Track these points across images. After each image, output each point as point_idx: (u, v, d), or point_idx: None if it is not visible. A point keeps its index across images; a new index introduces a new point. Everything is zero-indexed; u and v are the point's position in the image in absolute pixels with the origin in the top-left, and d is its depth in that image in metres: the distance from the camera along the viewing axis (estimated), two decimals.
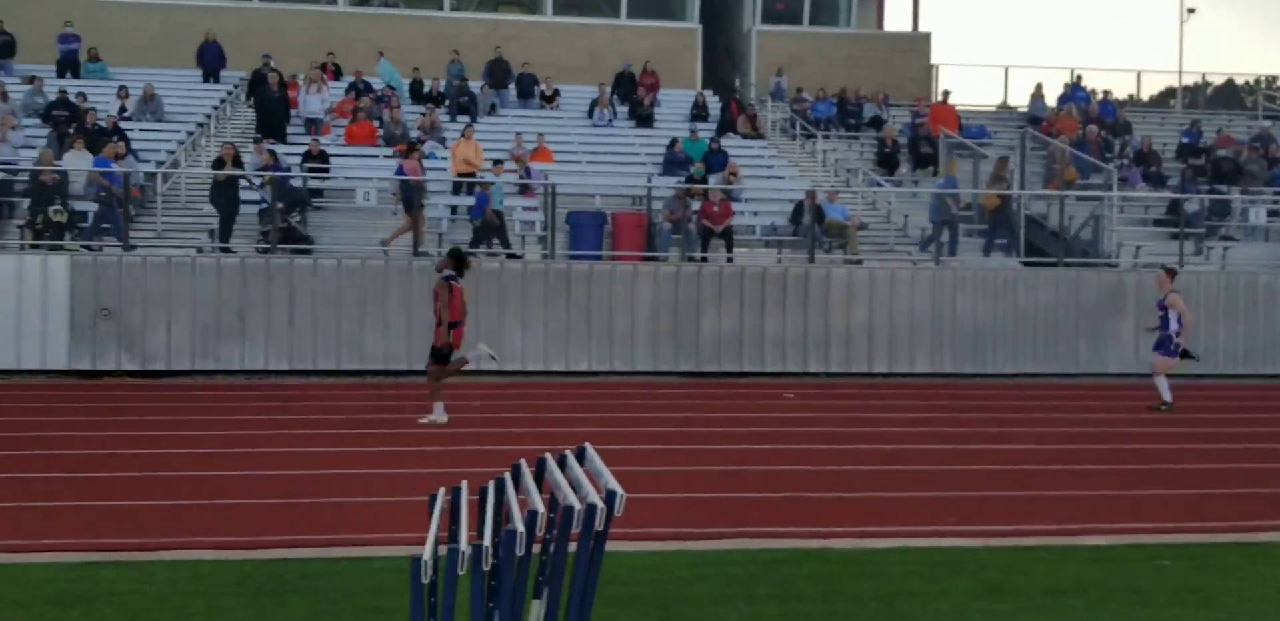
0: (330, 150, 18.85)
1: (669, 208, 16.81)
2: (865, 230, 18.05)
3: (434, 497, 4.67)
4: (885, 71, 26.22)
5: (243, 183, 16.30)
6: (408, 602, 5.45)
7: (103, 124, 18.46)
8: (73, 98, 19.57)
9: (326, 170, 17.97)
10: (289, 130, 20.07)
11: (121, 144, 17.44)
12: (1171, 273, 13.15)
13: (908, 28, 29.82)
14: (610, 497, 4.08)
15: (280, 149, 18.31)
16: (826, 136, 22.90)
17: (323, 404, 12.23)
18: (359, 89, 21.77)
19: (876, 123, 23.47)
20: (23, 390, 13.01)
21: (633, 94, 23.13)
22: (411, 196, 16.07)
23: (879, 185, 20.25)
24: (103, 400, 12.31)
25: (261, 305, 14.38)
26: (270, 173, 16.26)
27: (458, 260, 10.80)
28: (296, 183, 16.86)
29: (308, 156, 18.02)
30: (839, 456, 9.79)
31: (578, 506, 4.04)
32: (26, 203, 15.87)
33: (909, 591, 5.90)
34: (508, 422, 11.15)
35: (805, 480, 8.79)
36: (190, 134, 20.21)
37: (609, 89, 23.11)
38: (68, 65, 22.58)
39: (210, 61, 23.00)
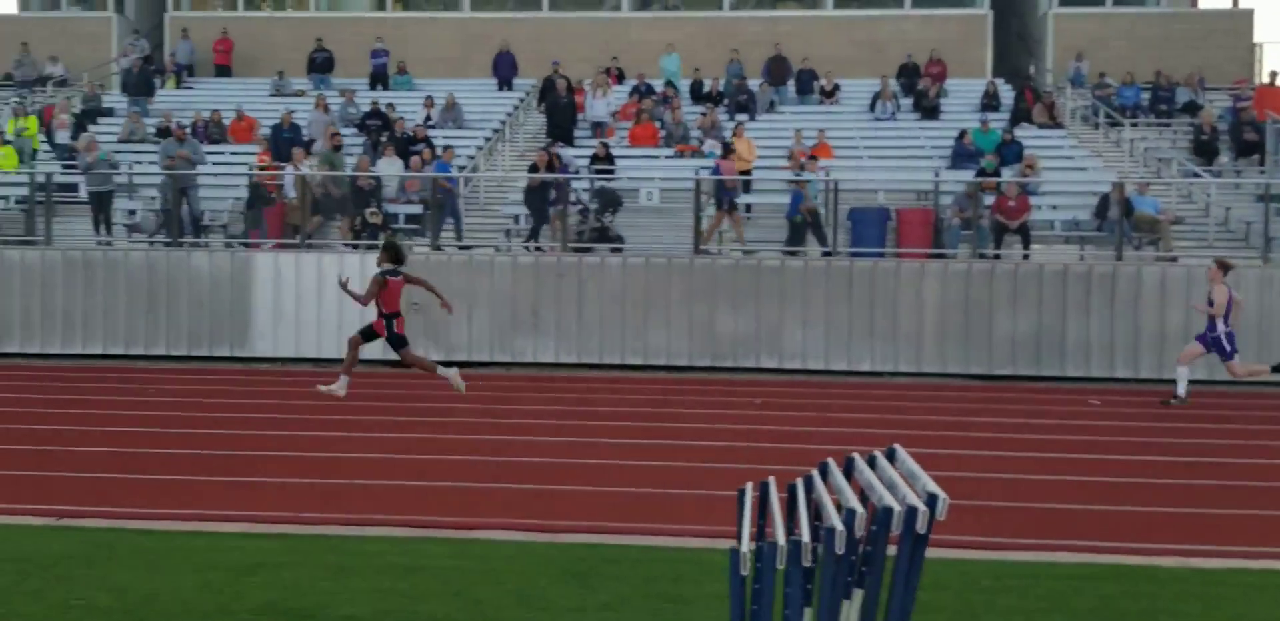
0: (615, 152, 19.41)
1: (958, 203, 16.15)
2: (1180, 225, 16.64)
3: (742, 492, 4.66)
4: (1201, 52, 24.06)
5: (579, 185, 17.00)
6: (706, 592, 5.52)
7: (411, 132, 19.85)
8: (383, 108, 21.16)
9: (612, 171, 18.51)
10: (576, 134, 20.84)
11: (428, 150, 18.72)
12: (1224, 267, 11.78)
13: (1226, 4, 27.29)
14: (931, 500, 3.91)
15: (569, 152, 19.05)
16: (1134, 124, 21.29)
17: (611, 396, 12.57)
18: (641, 91, 22.30)
19: (1191, 108, 21.60)
20: None
21: (917, 85, 22.44)
22: (725, 196, 16.29)
23: (1196, 176, 18.59)
24: (411, 388, 13.18)
25: (553, 301, 14.96)
26: (564, 175, 16.93)
27: (393, 252, 11.29)
28: (579, 184, 17.47)
29: (595, 159, 18.65)
30: (1156, 468, 9.04)
31: (897, 507, 3.89)
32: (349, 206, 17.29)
33: (1246, 616, 5.38)
34: (793, 421, 11.05)
35: (1120, 492, 8.17)
36: (487, 139, 21.39)
37: (892, 81, 22.52)
38: (378, 78, 24.48)
39: (504, 70, 24.26)
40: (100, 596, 5.30)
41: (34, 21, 27.65)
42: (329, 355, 15.08)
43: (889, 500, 3.98)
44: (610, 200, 16.96)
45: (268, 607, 5.18)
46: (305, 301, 15.17)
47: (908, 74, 23.06)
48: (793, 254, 15.62)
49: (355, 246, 16.17)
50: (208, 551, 6.14)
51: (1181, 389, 11.96)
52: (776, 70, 23.16)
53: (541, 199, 16.67)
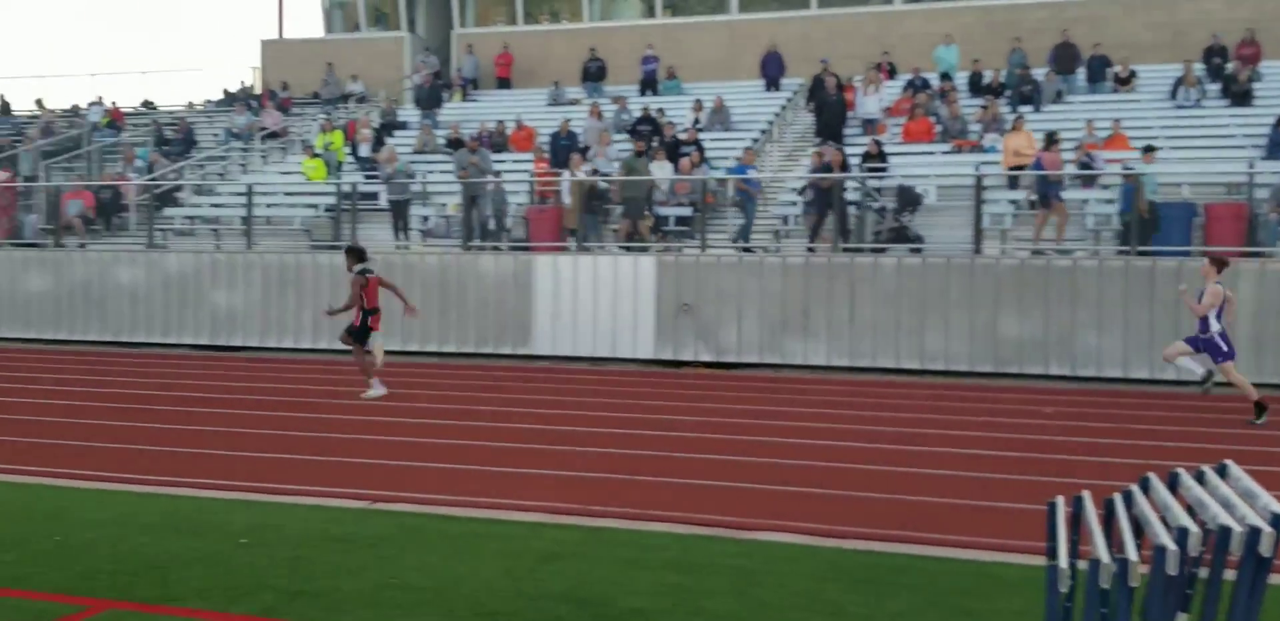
0: (888, 149, 18.90)
1: (1276, 197, 14.63)
2: None
3: (1053, 505, 4.39)
4: None
5: (850, 184, 16.72)
6: (1001, 608, 5.22)
7: (681, 136, 20.13)
8: (654, 113, 21.58)
9: (885, 169, 18.04)
10: (845, 132, 20.45)
11: (697, 153, 18.91)
12: (1219, 263, 10.94)
13: None
14: (1276, 521, 3.54)
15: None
16: None
17: (886, 401, 12.21)
18: (916, 86, 21.62)
19: None
20: (617, 375, 14.50)
21: (1225, 69, 20.54)
22: (1050, 191, 15.56)
23: None
24: (684, 388, 13.33)
25: (824, 302, 14.74)
26: (841, 175, 16.66)
27: (357, 254, 12.16)
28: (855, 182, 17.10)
29: (867, 156, 18.22)
30: None
31: (1237, 528, 3.54)
32: (620, 209, 17.76)
33: None
34: (1089, 432, 10.32)
35: None
36: (755, 140, 21.38)
37: (1196, 65, 20.72)
38: (648, 84, 25.00)
39: (772, 70, 24.18)
40: (412, 577, 5.63)
41: (337, 43, 30.13)
42: (603, 354, 15.55)
43: (1225, 519, 3.64)
44: (909, 199, 16.49)
45: (564, 596, 5.33)
46: (581, 302, 15.69)
47: (1214, 57, 21.15)
48: (1092, 254, 14.65)
49: (629, 249, 16.56)
50: (507, 538, 6.40)
51: (1199, 371, 11.01)
52: (1064, 58, 21.84)
53: (827, 200, 16.39)
